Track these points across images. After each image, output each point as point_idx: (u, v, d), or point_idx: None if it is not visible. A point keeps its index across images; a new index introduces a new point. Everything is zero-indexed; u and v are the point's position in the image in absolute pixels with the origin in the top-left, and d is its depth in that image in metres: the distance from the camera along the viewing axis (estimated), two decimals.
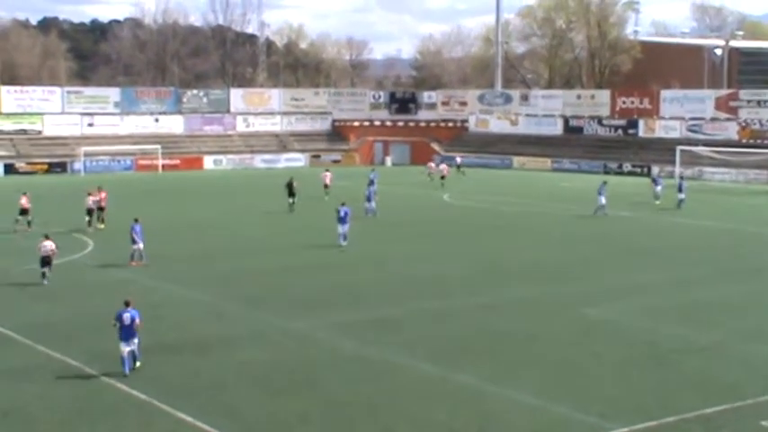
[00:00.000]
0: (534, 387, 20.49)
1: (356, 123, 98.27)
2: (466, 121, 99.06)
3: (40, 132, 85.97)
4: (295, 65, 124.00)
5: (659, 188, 57.26)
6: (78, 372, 21.50)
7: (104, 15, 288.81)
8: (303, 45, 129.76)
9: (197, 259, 36.62)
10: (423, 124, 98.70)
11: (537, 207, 55.45)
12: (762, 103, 79.99)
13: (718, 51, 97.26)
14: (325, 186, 58.37)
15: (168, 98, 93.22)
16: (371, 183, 55.09)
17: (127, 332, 21.35)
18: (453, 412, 19.06)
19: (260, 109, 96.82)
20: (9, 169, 79.30)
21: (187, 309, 28.18)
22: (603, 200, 50.41)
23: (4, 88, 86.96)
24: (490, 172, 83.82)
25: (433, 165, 75.98)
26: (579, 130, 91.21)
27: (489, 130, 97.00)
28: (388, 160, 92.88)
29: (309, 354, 23.22)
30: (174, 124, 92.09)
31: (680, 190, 54.42)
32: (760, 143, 76.79)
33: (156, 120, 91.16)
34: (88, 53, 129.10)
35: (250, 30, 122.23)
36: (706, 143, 77.92)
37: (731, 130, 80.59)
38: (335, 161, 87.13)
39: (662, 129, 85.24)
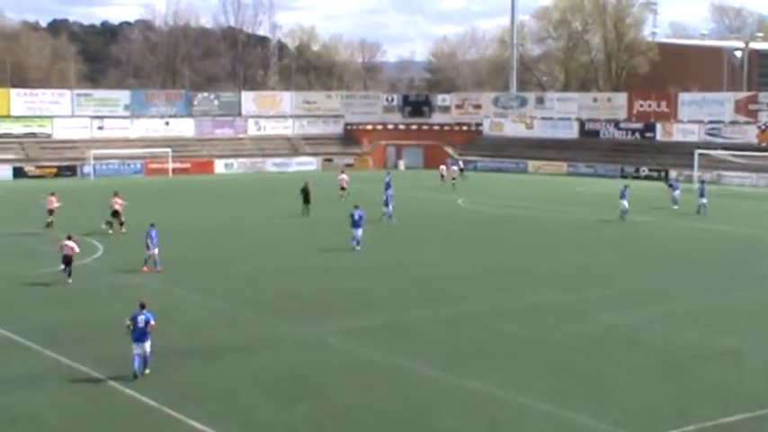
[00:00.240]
0: (548, 394, 20.47)
1: (369, 127, 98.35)
2: (480, 124, 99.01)
3: (49, 135, 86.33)
4: (307, 67, 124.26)
5: (677, 192, 57.13)
6: (88, 377, 21.59)
7: (115, 17, 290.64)
8: (315, 47, 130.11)
9: (209, 263, 36.72)
10: (436, 128, 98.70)
11: (552, 212, 55.38)
12: None
13: (738, 53, 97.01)
14: (342, 189, 59.51)
15: (179, 101, 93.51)
16: (388, 186, 55.55)
17: (140, 334, 21.55)
18: (466, 419, 19.07)
19: (271, 112, 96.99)
20: (18, 173, 79.66)
21: (198, 314, 28.27)
22: (626, 204, 50.31)
23: (14, 91, 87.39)
24: (505, 176, 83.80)
25: (444, 168, 76.36)
26: (595, 133, 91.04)
27: (504, 133, 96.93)
28: (402, 164, 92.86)
29: (321, 360, 23.26)
30: (184, 127, 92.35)
31: (701, 195, 54.19)
32: None
33: (167, 123, 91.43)
34: (98, 55, 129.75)
35: (261, 32, 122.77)
36: (725, 147, 77.71)
37: (750, 134, 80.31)
38: (348, 165, 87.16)
39: (680, 132, 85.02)
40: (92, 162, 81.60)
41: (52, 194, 47.27)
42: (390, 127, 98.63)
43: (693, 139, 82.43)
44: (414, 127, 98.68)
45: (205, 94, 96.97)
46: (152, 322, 21.73)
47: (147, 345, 21.63)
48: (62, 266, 32.48)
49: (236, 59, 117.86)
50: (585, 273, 35.40)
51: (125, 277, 33.65)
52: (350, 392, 20.73)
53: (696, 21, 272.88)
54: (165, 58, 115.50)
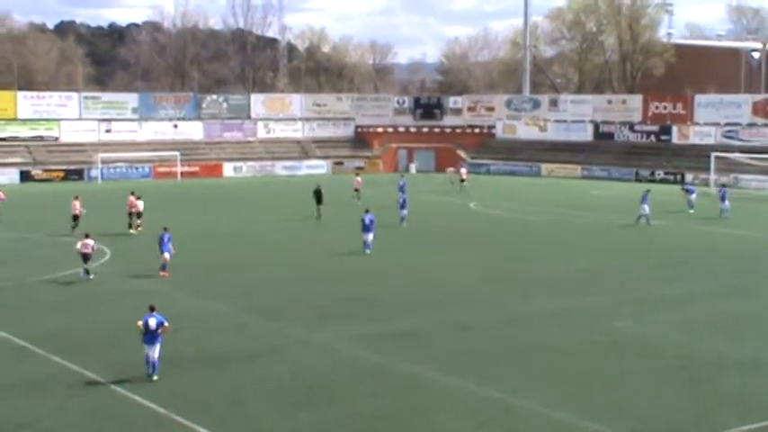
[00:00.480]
0: (563, 401, 20.40)
1: (380, 129, 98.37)
2: (493, 126, 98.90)
3: (56, 139, 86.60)
4: (317, 69, 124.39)
5: (693, 196, 56.94)
6: (95, 384, 21.62)
7: (122, 19, 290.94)
8: (325, 49, 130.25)
9: (217, 269, 36.77)
10: (448, 130, 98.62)
11: (566, 216, 55.27)
12: None
13: (756, 54, 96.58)
14: (356, 191, 60.69)
15: (187, 104, 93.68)
16: (402, 189, 55.96)
17: (152, 337, 21.75)
18: (479, 427, 19.01)
19: (281, 115, 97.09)
20: (25, 176, 79.89)
21: (206, 320, 28.29)
22: (647, 208, 50.06)
23: (21, 94, 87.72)
24: (518, 179, 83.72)
25: (452, 170, 76.75)
26: (610, 136, 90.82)
27: (517, 136, 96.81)
28: (413, 167, 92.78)
29: (331, 366, 23.23)
30: (193, 130, 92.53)
31: (723, 199, 53.82)
32: None
33: (175, 126, 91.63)
34: (106, 58, 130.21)
35: (271, 33, 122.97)
36: (742, 150, 77.33)
37: None
38: (359, 168, 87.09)
39: (696, 135, 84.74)
40: (99, 166, 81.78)
41: (75, 198, 47.54)
42: (401, 130, 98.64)
43: (710, 141, 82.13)
44: (425, 130, 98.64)
45: (214, 96, 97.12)
46: (165, 324, 21.98)
47: (157, 348, 21.77)
48: (84, 265, 33.62)
49: (245, 61, 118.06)
50: (599, 278, 35.31)
51: (133, 282, 33.71)
52: (358, 399, 20.70)
53: (713, 21, 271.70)
54: (174, 61, 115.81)
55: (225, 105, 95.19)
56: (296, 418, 19.49)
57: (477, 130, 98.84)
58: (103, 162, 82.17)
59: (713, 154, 73.71)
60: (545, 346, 25.17)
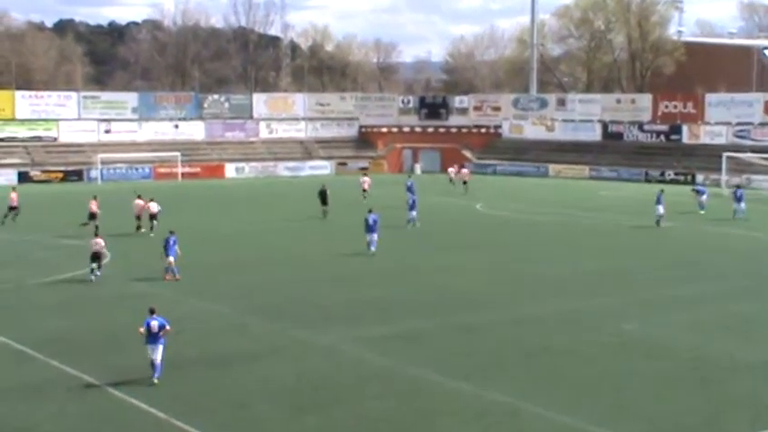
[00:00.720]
0: (571, 405, 20.40)
1: (384, 129, 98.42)
2: (499, 126, 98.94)
3: (55, 139, 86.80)
4: (320, 68, 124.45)
5: (704, 197, 56.89)
6: (94, 388, 21.63)
7: (122, 17, 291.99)
8: (329, 47, 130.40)
9: (220, 270, 36.84)
10: (454, 130, 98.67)
11: (574, 217, 55.27)
12: None
13: None
14: (364, 191, 61.64)
15: (188, 103, 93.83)
16: (410, 190, 56.29)
17: (154, 339, 21.85)
18: (485, 430, 19.04)
19: (284, 114, 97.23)
20: (23, 177, 79.98)
21: (209, 322, 28.33)
22: (662, 209, 49.97)
23: (19, 93, 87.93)
24: (525, 180, 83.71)
25: (453, 170, 77.08)
26: (619, 136, 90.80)
27: (524, 136, 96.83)
28: (418, 168, 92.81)
29: (335, 369, 23.25)
30: (194, 130, 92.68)
31: (738, 200, 53.49)
32: None
33: (176, 126, 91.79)
34: (105, 57, 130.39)
35: (273, 32, 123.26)
36: (754, 149, 77.26)
37: None
38: (363, 169, 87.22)
39: (707, 134, 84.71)
40: (99, 166, 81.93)
41: (94, 198, 47.94)
42: (406, 129, 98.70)
43: (721, 141, 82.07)
44: (430, 129, 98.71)
45: (215, 96, 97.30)
46: (167, 327, 22.04)
47: (160, 349, 21.86)
48: (91, 264, 34.04)
49: (247, 60, 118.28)
50: (608, 279, 35.30)
51: (134, 285, 33.78)
52: (363, 402, 20.73)
53: (724, 19, 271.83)
54: (174, 60, 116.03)
55: (226, 105, 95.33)
56: (300, 422, 19.52)
57: (483, 130, 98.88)
58: (103, 163, 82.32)
59: (724, 154, 73.60)
60: (552, 348, 25.18)
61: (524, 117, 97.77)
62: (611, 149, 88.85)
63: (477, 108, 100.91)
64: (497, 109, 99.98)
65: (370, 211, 41.09)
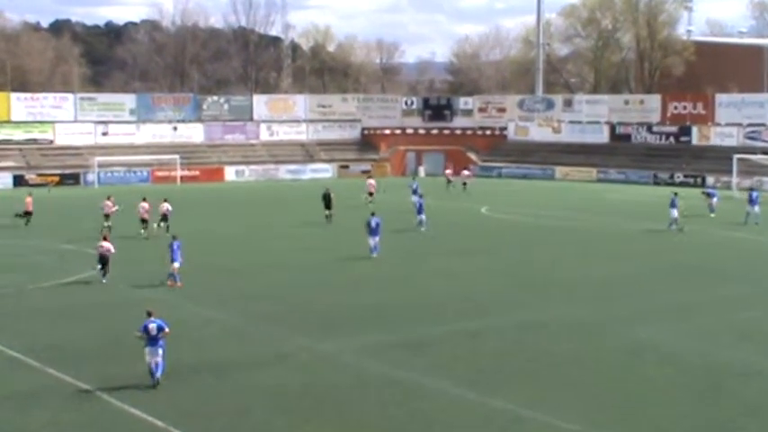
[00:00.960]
0: (577, 413, 20.35)
1: (387, 131, 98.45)
2: (505, 128, 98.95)
3: (51, 142, 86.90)
4: (322, 69, 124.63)
5: (714, 200, 56.79)
6: (90, 396, 21.61)
7: (119, 17, 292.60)
8: (330, 48, 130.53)
9: (220, 275, 36.85)
10: (458, 132, 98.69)
11: (581, 221, 55.23)
12: None
13: None
14: (370, 194, 61.90)
15: (187, 105, 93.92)
16: (415, 192, 56.34)
17: (154, 342, 21.92)
18: None
19: (284, 116, 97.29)
20: (18, 181, 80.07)
21: (208, 328, 28.32)
22: (676, 213, 49.84)
23: (14, 95, 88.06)
24: (531, 183, 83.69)
25: (450, 172, 77.88)
26: (627, 137, 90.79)
27: (530, 138, 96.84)
28: (422, 170, 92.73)
29: (337, 377, 23.22)
30: (193, 133, 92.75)
31: (753, 203, 53.24)
32: None
33: (175, 128, 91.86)
34: (102, 57, 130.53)
35: (274, 32, 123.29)
36: (766, 151, 77.21)
37: None
38: (365, 172, 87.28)
39: (717, 136, 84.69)
40: (96, 170, 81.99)
41: (108, 198, 48.17)
42: (410, 131, 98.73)
43: (732, 143, 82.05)
44: (434, 131, 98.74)
45: (215, 97, 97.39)
46: (166, 329, 22.12)
47: (160, 351, 21.97)
48: (98, 267, 34.84)
49: (247, 61, 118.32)
50: (616, 285, 35.24)
51: (132, 290, 33.76)
52: (366, 411, 20.69)
53: (734, 17, 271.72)
54: (173, 60, 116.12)
55: (226, 107, 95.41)
56: (301, 430, 19.49)
57: (488, 132, 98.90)
58: (100, 166, 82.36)
59: (735, 156, 73.53)
60: (559, 355, 25.12)
61: (530, 118, 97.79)
62: (619, 151, 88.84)
63: (481, 109, 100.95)
64: (503, 110, 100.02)
65: (372, 215, 41.14)
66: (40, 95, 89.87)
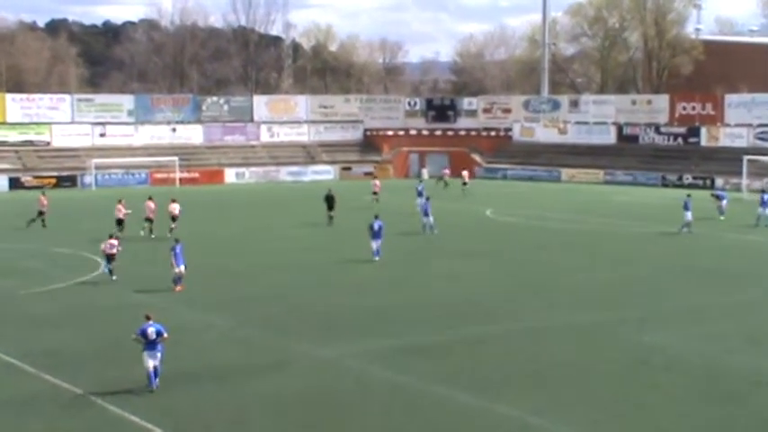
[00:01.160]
0: (585, 421, 20.28)
1: (390, 132, 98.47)
2: (510, 129, 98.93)
3: (47, 143, 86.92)
4: (323, 69, 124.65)
5: (724, 202, 56.68)
6: (86, 402, 21.56)
7: (117, 17, 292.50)
8: (332, 47, 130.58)
9: (219, 279, 36.81)
10: (462, 133, 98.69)
11: (588, 224, 55.17)
12: None
13: None
14: (374, 194, 62.78)
15: (186, 106, 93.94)
16: (420, 194, 56.84)
17: (152, 346, 21.94)
18: None
19: (285, 117, 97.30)
20: (14, 183, 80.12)
21: (207, 333, 28.25)
22: (690, 215, 49.58)
23: (9, 96, 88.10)
24: (536, 185, 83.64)
25: (447, 172, 78.96)
26: (634, 138, 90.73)
27: (535, 139, 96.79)
28: (425, 172, 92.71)
29: (338, 383, 23.16)
30: (192, 134, 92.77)
31: (764, 204, 52.95)
32: None
33: (173, 129, 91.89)
34: (100, 58, 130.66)
35: (274, 31, 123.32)
36: None
37: None
38: (368, 173, 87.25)
39: (727, 137, 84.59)
40: (93, 172, 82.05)
41: (119, 202, 48.36)
42: (413, 133, 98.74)
43: (742, 144, 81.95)
44: (438, 132, 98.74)
45: (214, 98, 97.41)
46: (165, 334, 22.14)
47: (158, 356, 22.01)
48: (106, 267, 35.78)
49: (247, 61, 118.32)
50: (624, 289, 35.16)
51: (130, 294, 33.69)
52: (369, 418, 20.61)
53: (744, 16, 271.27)
54: (172, 60, 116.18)
55: (226, 107, 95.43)
56: None
57: (492, 133, 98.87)
58: (97, 168, 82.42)
59: (745, 157, 73.43)
60: (565, 361, 25.04)
61: (536, 119, 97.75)
62: (626, 153, 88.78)
63: (486, 110, 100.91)
64: (508, 111, 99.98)
65: (376, 217, 41.17)
66: (37, 96, 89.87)
